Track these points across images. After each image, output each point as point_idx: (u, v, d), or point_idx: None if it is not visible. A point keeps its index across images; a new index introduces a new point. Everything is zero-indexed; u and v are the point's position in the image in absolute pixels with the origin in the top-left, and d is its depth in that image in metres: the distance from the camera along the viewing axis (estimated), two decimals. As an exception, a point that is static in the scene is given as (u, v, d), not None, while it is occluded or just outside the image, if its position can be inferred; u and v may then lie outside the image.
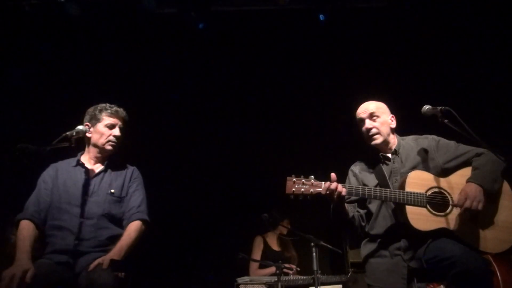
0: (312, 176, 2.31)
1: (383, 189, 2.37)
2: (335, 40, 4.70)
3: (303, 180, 2.29)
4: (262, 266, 4.46)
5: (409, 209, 2.32)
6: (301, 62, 4.96)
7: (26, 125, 4.50)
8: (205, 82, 5.09)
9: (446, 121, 2.35)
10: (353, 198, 2.55)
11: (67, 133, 2.47)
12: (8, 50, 4.49)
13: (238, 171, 5.31)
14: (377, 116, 2.59)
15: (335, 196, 2.28)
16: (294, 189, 2.27)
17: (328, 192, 2.28)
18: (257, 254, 4.57)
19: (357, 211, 2.60)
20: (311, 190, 2.27)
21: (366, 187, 2.42)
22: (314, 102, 5.23)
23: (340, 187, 2.28)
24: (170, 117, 5.15)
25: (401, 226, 2.39)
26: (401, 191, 2.35)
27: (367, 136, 2.60)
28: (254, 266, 4.52)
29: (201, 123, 5.25)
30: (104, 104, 2.76)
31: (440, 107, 2.37)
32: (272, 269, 4.10)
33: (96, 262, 2.32)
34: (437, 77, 4.81)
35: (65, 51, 4.66)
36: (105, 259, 2.34)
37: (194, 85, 5.12)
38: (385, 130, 2.58)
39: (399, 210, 2.40)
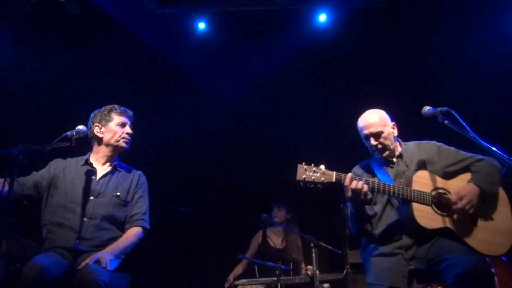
0: (323, 166, 2.31)
1: (391, 184, 2.39)
2: (335, 41, 4.70)
3: (314, 168, 2.29)
4: (261, 264, 4.39)
5: (416, 206, 2.36)
6: (301, 62, 4.95)
7: (26, 125, 4.49)
8: (204, 82, 5.09)
9: (446, 121, 2.35)
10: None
11: (67, 133, 2.48)
12: (8, 49, 4.49)
13: (238, 171, 5.30)
14: (381, 132, 2.58)
15: (361, 195, 2.29)
16: (304, 176, 2.27)
17: (355, 190, 2.27)
18: (252, 248, 4.51)
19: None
20: (322, 178, 2.28)
21: (376, 180, 2.41)
22: (313, 102, 5.23)
23: (361, 184, 2.28)
24: (170, 117, 5.14)
25: (405, 224, 2.42)
26: (408, 188, 2.38)
27: (372, 150, 2.64)
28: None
29: (201, 124, 5.24)
30: (111, 105, 2.81)
31: (440, 108, 2.38)
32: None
33: (87, 260, 2.32)
34: (438, 78, 4.82)
35: (65, 50, 4.65)
36: (101, 257, 2.34)
37: (193, 85, 5.11)
38: (389, 142, 2.60)
39: (405, 207, 2.43)
